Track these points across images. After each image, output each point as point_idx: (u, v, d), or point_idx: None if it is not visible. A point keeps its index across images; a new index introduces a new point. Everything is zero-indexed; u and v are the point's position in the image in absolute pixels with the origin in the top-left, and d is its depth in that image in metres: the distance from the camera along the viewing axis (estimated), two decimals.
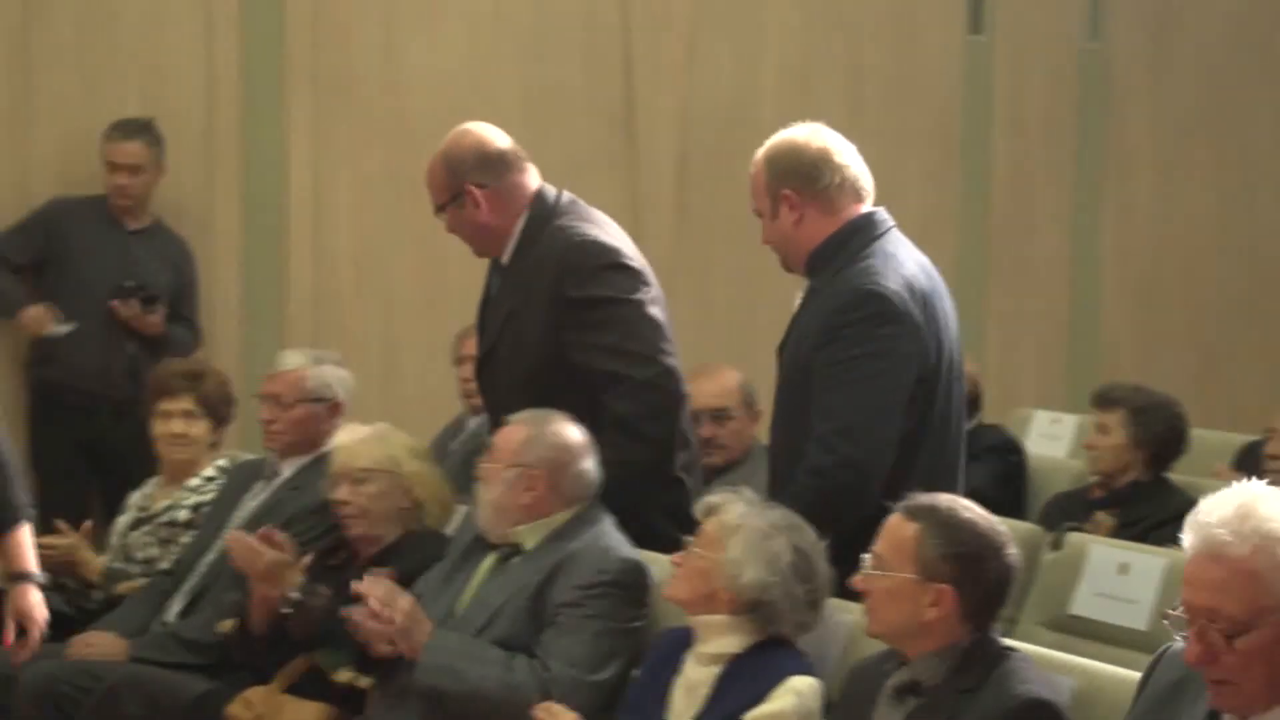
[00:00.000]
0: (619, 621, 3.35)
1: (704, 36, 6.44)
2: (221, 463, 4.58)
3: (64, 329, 5.25)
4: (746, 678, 2.98)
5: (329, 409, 4.33)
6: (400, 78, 5.95)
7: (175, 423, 4.51)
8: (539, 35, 6.21)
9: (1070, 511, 4.72)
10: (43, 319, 5.27)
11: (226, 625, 3.97)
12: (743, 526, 3.04)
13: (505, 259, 3.93)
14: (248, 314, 5.77)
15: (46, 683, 3.87)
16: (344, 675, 3.55)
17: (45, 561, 4.41)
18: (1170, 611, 2.20)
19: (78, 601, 4.46)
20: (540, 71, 6.16)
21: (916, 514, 2.76)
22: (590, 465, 3.55)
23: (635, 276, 3.83)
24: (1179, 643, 2.25)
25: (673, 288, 6.56)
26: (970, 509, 2.78)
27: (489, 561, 3.53)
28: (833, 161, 3.42)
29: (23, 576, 3.60)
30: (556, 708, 3.14)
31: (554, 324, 3.77)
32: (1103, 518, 4.66)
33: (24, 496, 3.65)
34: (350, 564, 3.88)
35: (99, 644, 4.07)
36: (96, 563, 4.50)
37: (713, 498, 3.14)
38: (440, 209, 3.95)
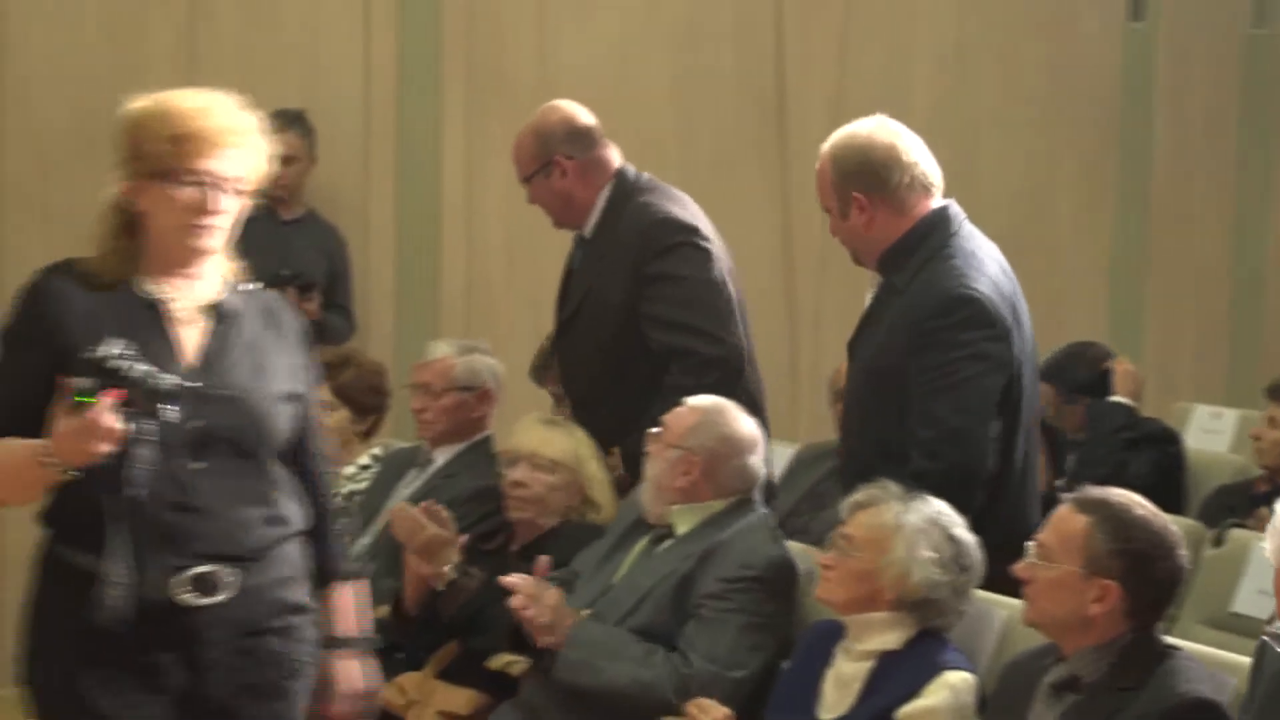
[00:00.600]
0: (762, 617, 3.34)
1: (856, 23, 6.38)
2: (375, 451, 4.64)
3: None
4: (900, 672, 2.96)
5: (478, 397, 4.36)
6: (552, 70, 5.98)
7: None
8: (690, 24, 6.21)
9: (1233, 506, 4.61)
10: None
11: (381, 611, 4.02)
12: (903, 526, 3.01)
13: (588, 232, 4.12)
14: (402, 304, 5.84)
15: None
16: (499, 661, 3.58)
17: None
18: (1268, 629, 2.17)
19: None
20: (691, 61, 6.16)
21: (1088, 507, 2.71)
22: (753, 461, 3.55)
23: (709, 255, 3.97)
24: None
25: (823, 277, 6.60)
26: (1143, 506, 2.73)
27: (642, 544, 3.55)
28: (902, 160, 3.39)
29: (337, 642, 2.84)
30: (708, 704, 3.14)
31: (630, 297, 3.94)
32: (1267, 513, 4.55)
33: (345, 548, 2.94)
34: (505, 549, 3.91)
35: None
36: None
37: (858, 496, 3.11)
38: (527, 179, 4.16)
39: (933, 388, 3.25)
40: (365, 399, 4.61)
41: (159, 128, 2.64)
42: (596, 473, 3.98)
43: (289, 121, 5.44)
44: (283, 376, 2.73)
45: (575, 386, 4.16)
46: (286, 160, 5.44)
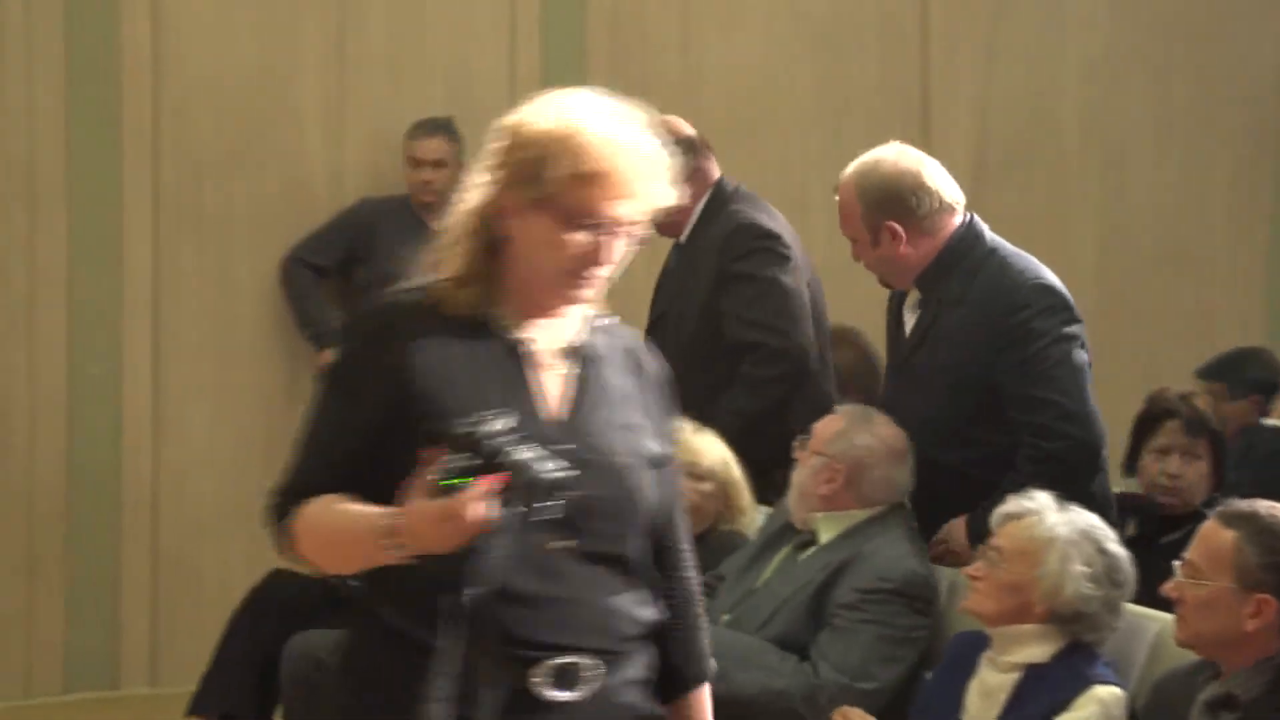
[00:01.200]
0: (898, 630, 3.31)
1: (1004, 28, 6.31)
2: None
3: None
4: (1048, 685, 2.91)
5: None
6: (695, 77, 5.99)
7: None
8: (835, 29, 6.18)
9: None
10: None
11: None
12: (1055, 538, 2.97)
13: (683, 238, 4.45)
14: None
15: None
16: None
17: None
18: None
19: None
20: (836, 66, 6.13)
21: (1233, 521, 2.66)
22: (898, 473, 3.51)
23: (787, 260, 4.32)
24: None
25: None
26: None
27: (785, 551, 3.54)
28: (927, 186, 3.55)
29: None
30: (855, 713, 3.12)
31: (712, 296, 4.29)
32: None
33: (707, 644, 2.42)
34: None
35: None
36: None
37: (1009, 507, 3.07)
38: None
39: (1032, 376, 3.42)
40: None
41: (566, 159, 2.16)
42: (741, 478, 3.98)
43: (438, 128, 5.50)
44: (650, 435, 2.28)
45: None
46: (436, 165, 5.50)
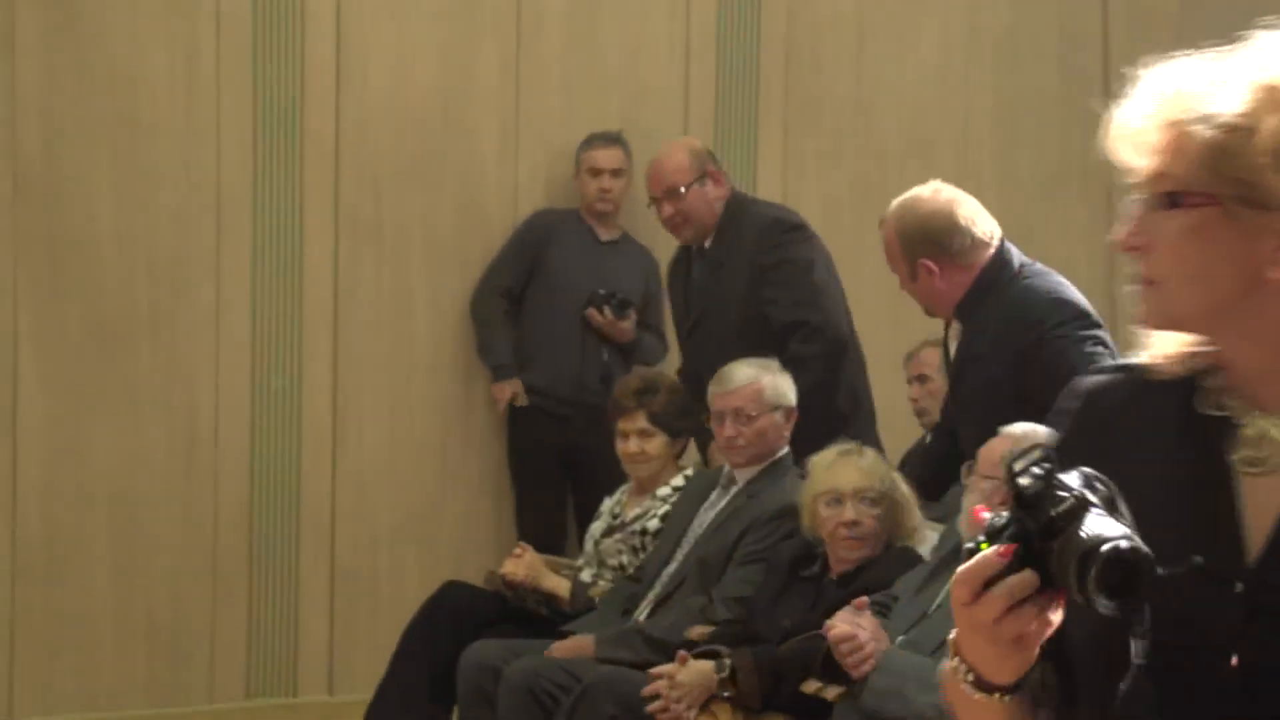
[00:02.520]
0: None
1: (1190, 39, 6.16)
2: (688, 472, 4.67)
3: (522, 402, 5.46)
4: None
5: (785, 414, 4.37)
6: (870, 92, 5.96)
7: (632, 442, 4.62)
8: (1013, 45, 6.11)
9: None
10: (510, 396, 5.46)
11: (696, 633, 4.05)
12: None
13: (708, 244, 4.87)
14: None
15: (528, 679, 4.05)
16: (811, 687, 3.57)
17: (508, 583, 4.64)
18: None
19: (552, 607, 4.64)
20: (1013, 82, 6.05)
21: None
22: None
23: (815, 245, 4.74)
24: None
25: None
26: None
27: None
28: (960, 225, 3.81)
29: None
30: None
31: (750, 289, 4.62)
32: None
33: None
34: (823, 577, 3.90)
35: (573, 645, 4.23)
36: (559, 583, 4.66)
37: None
38: (684, 188, 4.87)
39: (1056, 379, 3.37)
40: (677, 422, 4.65)
41: None
42: (907, 494, 3.94)
43: (613, 139, 5.54)
44: None
45: (703, 383, 4.52)
46: (615, 174, 5.52)
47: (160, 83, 5.26)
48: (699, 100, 5.82)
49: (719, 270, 4.81)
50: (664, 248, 5.78)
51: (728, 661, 3.75)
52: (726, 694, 3.75)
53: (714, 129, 5.82)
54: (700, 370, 4.69)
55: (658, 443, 4.60)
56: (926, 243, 3.82)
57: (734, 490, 4.35)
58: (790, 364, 4.43)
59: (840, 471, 3.89)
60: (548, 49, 5.65)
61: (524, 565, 4.69)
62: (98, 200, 5.23)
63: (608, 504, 4.82)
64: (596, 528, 4.79)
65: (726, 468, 4.42)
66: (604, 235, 5.61)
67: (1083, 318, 3.74)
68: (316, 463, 5.35)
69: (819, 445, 4.03)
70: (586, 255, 5.54)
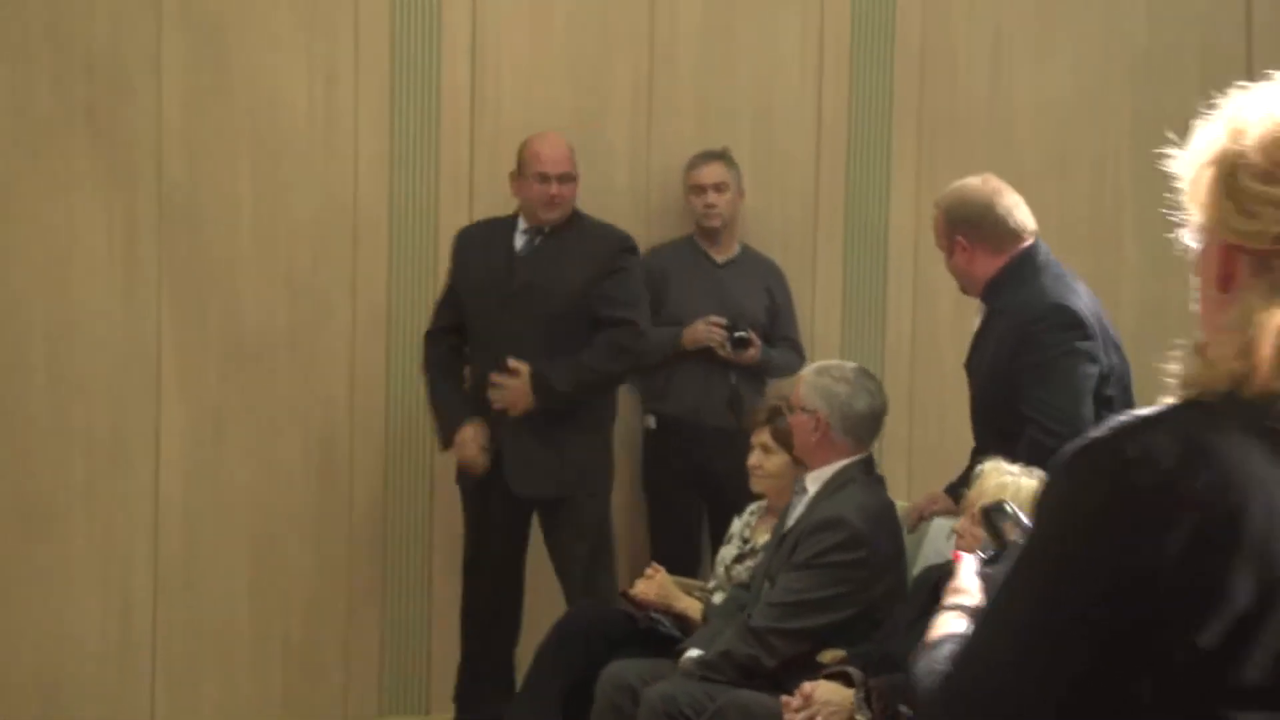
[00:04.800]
0: None
1: None
2: None
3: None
4: None
5: (815, 420, 4.40)
6: (1007, 110, 5.90)
7: (755, 455, 4.63)
8: (1152, 63, 6.02)
9: None
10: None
11: (828, 656, 4.03)
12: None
13: (547, 230, 5.14)
14: (848, 347, 5.85)
15: (665, 701, 4.06)
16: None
17: (638, 603, 4.65)
18: None
19: (684, 629, 4.64)
20: (1153, 101, 5.96)
21: None
22: None
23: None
24: None
25: None
26: None
27: None
28: (996, 210, 4.24)
29: None
30: None
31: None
32: None
33: None
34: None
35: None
36: (691, 605, 4.65)
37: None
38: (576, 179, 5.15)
39: (1037, 378, 4.06)
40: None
41: None
42: None
43: (715, 155, 5.54)
44: None
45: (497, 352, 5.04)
46: (718, 188, 5.51)
47: (299, 105, 5.34)
48: (831, 120, 5.80)
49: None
50: (802, 268, 5.74)
51: (861, 682, 3.72)
52: (861, 716, 3.73)
53: (847, 149, 5.80)
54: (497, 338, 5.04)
55: (777, 461, 4.59)
56: (964, 221, 4.25)
57: (805, 498, 4.35)
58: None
59: (1006, 488, 3.86)
60: (680, 70, 5.66)
61: (655, 586, 4.70)
62: (238, 220, 5.32)
63: (737, 525, 4.81)
64: (727, 552, 4.78)
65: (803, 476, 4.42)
66: (719, 256, 5.59)
67: (1079, 327, 4.12)
68: (449, 483, 5.39)
69: None
70: (704, 280, 5.53)
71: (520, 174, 5.19)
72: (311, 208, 5.38)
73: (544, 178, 5.13)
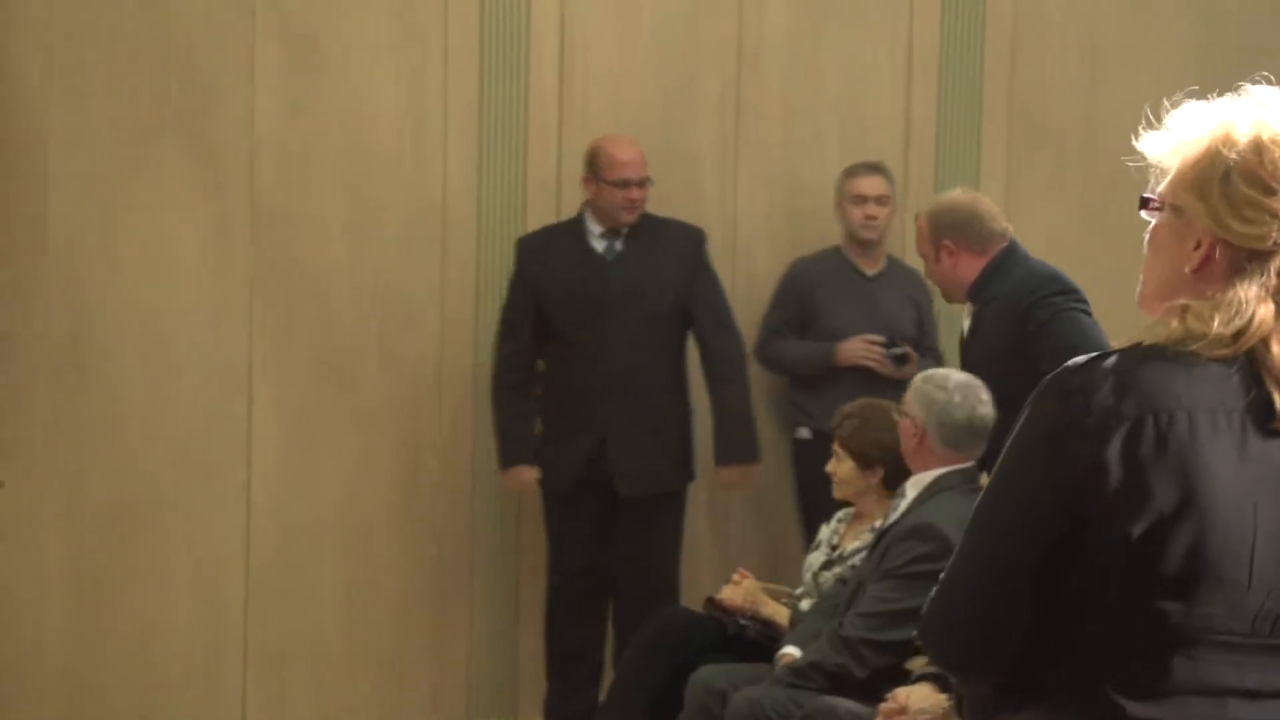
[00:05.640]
0: None
1: None
2: None
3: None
4: None
5: (913, 425, 4.37)
6: (1099, 116, 5.83)
7: (831, 461, 4.61)
8: (1245, 66, 5.91)
9: None
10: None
11: (917, 664, 4.00)
12: None
13: (625, 231, 5.29)
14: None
15: (751, 706, 4.06)
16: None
17: (725, 609, 4.64)
18: None
19: (771, 634, 4.63)
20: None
21: None
22: None
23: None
24: None
25: None
26: None
27: None
28: (979, 214, 4.63)
29: None
30: None
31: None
32: None
33: None
34: None
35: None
36: (778, 611, 4.64)
37: None
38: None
39: (1051, 338, 4.28)
40: (869, 451, 4.59)
41: None
42: None
43: (876, 167, 5.49)
44: None
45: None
46: (880, 200, 5.46)
47: (389, 112, 5.39)
48: (920, 126, 5.77)
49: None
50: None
51: (955, 686, 3.70)
52: None
53: (935, 155, 5.77)
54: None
55: (845, 468, 4.58)
56: (951, 226, 4.59)
57: (904, 503, 4.33)
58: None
59: None
60: (768, 76, 5.65)
61: (742, 592, 4.70)
62: (329, 228, 5.38)
63: (825, 532, 4.79)
64: (815, 558, 4.76)
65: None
66: (869, 269, 5.53)
67: (1072, 291, 4.47)
68: (535, 488, 5.41)
69: None
70: (854, 293, 5.48)
71: (595, 177, 5.23)
72: (401, 215, 5.42)
73: (625, 182, 5.19)
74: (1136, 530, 1.76)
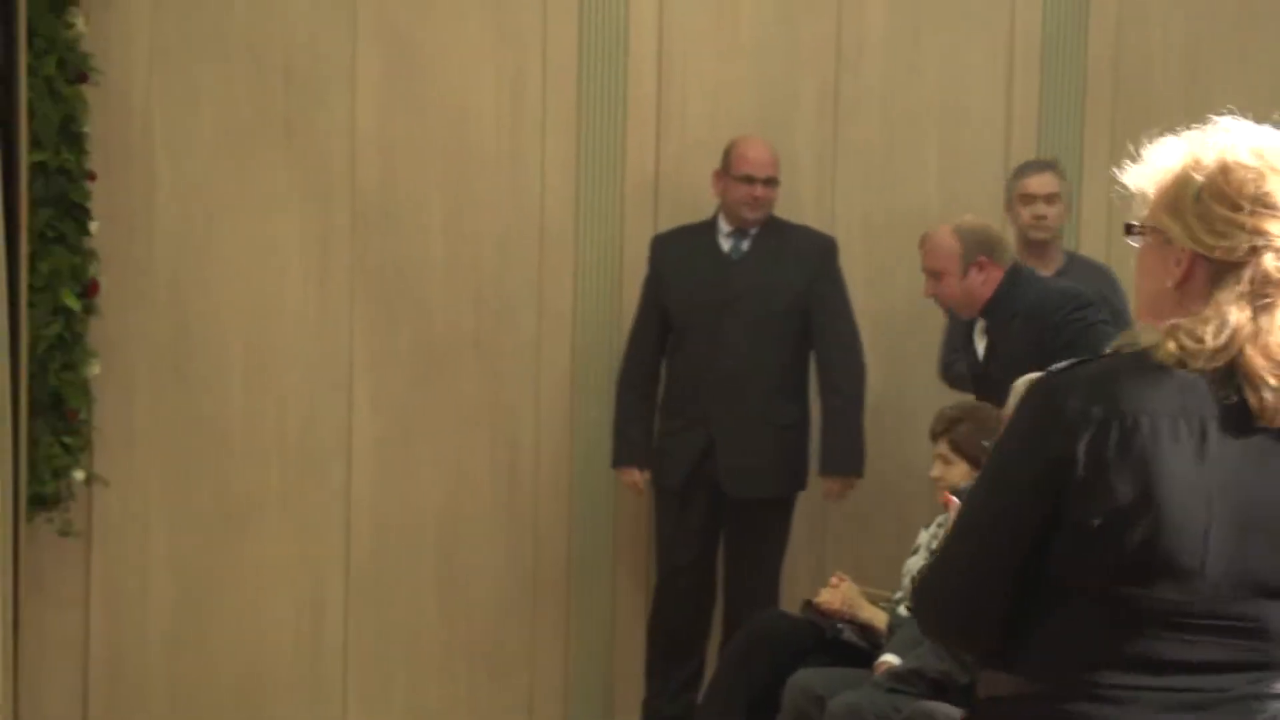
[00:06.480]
0: None
1: None
2: None
3: None
4: None
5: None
6: (1206, 112, 5.73)
7: (936, 466, 4.55)
8: None
9: None
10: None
11: None
12: None
13: (754, 232, 5.33)
14: None
15: (851, 710, 4.03)
16: None
17: (822, 612, 4.62)
18: None
19: (869, 639, 4.60)
20: None
21: None
22: None
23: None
24: None
25: None
26: None
27: None
28: (1001, 236, 4.98)
29: None
30: None
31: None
32: None
33: None
34: None
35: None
36: (876, 614, 4.61)
37: None
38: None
39: (1074, 353, 4.55)
40: (978, 454, 4.55)
41: None
42: None
43: (1047, 165, 5.39)
44: None
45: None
46: (1050, 199, 5.33)
47: (488, 115, 5.42)
48: (1021, 128, 5.71)
49: (769, 256, 5.23)
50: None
51: None
52: None
53: (1037, 153, 5.70)
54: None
55: (957, 471, 4.53)
56: (985, 244, 4.82)
57: None
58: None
59: None
60: (867, 77, 5.62)
61: (840, 595, 4.67)
62: (428, 229, 5.42)
63: (924, 537, 4.75)
64: (913, 563, 4.72)
65: None
66: (1046, 272, 5.27)
67: (1094, 305, 4.74)
68: (632, 489, 5.42)
69: None
70: None
71: (725, 173, 5.28)
72: (499, 217, 5.45)
73: (749, 179, 5.22)
74: (1098, 521, 1.98)
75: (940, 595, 2.14)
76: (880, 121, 5.64)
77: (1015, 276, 4.82)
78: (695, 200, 5.48)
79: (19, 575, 5.06)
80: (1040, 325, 4.63)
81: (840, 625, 4.64)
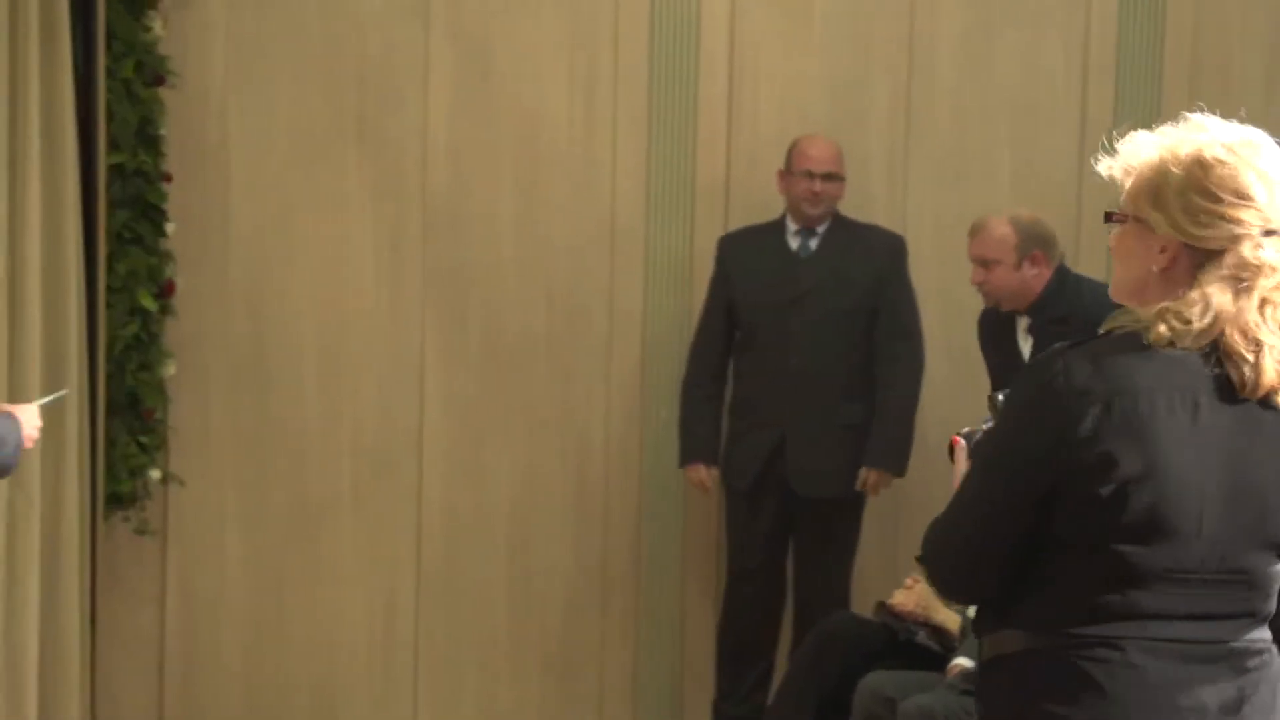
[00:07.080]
0: None
1: None
2: None
3: None
4: None
5: None
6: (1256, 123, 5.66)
7: None
8: None
9: None
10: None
11: None
12: None
13: (821, 229, 5.34)
14: None
15: (922, 713, 4.02)
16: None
17: (896, 614, 4.60)
18: None
19: (942, 641, 4.58)
20: None
21: None
22: None
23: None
24: None
25: None
26: None
27: None
28: (1053, 230, 4.92)
29: None
30: None
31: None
32: None
33: None
34: None
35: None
36: (950, 617, 4.59)
37: None
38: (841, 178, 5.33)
39: None
40: None
41: None
42: None
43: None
44: None
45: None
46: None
47: (560, 116, 5.44)
48: (1095, 130, 5.65)
49: (836, 254, 5.24)
50: None
51: None
52: None
53: (1109, 156, 5.64)
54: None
55: None
56: (1039, 238, 4.84)
57: None
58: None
59: None
60: (940, 76, 5.59)
61: (914, 597, 4.65)
62: (500, 231, 5.44)
63: None
64: None
65: None
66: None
67: None
68: (701, 494, 5.41)
69: None
70: None
71: (788, 170, 5.28)
72: (570, 218, 5.46)
73: (809, 175, 5.22)
74: (1105, 491, 2.15)
75: (948, 552, 2.30)
76: (952, 120, 5.61)
77: (1064, 276, 4.85)
78: (766, 200, 5.46)
79: (96, 573, 5.14)
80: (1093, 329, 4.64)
81: (913, 627, 4.62)
